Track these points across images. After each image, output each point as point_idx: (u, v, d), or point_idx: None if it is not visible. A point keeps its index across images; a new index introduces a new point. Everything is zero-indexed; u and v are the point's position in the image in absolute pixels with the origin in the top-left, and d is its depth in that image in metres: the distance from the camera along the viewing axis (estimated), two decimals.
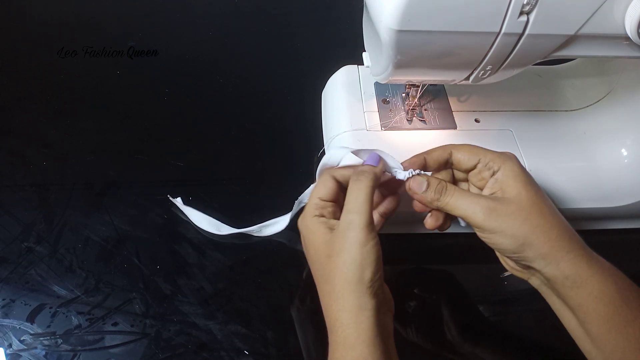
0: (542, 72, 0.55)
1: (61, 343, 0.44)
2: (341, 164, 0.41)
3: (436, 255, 0.52)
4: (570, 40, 0.36)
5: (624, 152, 0.47)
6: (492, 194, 0.38)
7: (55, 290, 0.47)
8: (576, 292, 0.34)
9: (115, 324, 0.45)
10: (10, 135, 0.60)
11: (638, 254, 0.53)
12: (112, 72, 0.67)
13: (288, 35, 0.74)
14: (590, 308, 0.34)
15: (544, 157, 0.47)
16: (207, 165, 0.58)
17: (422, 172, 0.40)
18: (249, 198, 0.55)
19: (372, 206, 0.36)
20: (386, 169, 0.40)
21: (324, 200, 0.38)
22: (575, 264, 0.34)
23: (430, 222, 0.40)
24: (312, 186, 0.43)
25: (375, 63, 0.44)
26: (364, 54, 0.46)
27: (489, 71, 0.39)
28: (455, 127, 0.50)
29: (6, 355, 0.44)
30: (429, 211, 0.41)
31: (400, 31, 0.34)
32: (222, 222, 0.51)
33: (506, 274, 0.46)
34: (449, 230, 0.42)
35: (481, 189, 0.39)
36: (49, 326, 0.45)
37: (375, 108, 0.51)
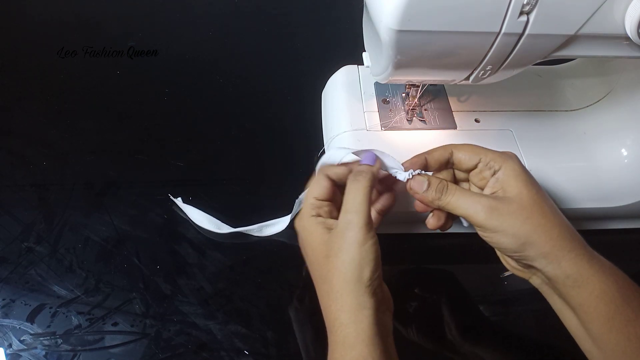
0: (542, 72, 0.55)
1: (61, 343, 0.44)
2: (339, 163, 0.41)
3: (436, 255, 0.52)
4: (570, 40, 0.36)
5: (624, 152, 0.47)
6: (493, 193, 0.38)
7: (55, 290, 0.47)
8: (577, 291, 0.34)
9: (115, 324, 0.45)
10: (10, 135, 0.60)
11: (638, 254, 0.53)
12: (112, 72, 0.67)
13: (288, 35, 0.74)
14: (591, 307, 0.34)
15: (544, 157, 0.47)
16: (207, 165, 0.58)
17: (423, 172, 0.40)
18: (249, 198, 0.55)
19: (370, 205, 0.36)
20: (383, 168, 0.40)
21: (320, 200, 0.38)
22: (577, 263, 0.34)
23: (432, 222, 0.40)
24: None
25: (375, 63, 0.44)
26: (364, 54, 0.46)
27: (489, 71, 0.39)
28: (455, 127, 0.50)
29: (6, 355, 0.44)
30: (431, 211, 0.41)
31: (400, 31, 0.34)
32: (222, 222, 0.51)
33: (506, 273, 0.46)
34: (449, 230, 0.42)
35: (482, 189, 0.39)
36: (49, 326, 0.45)
37: (375, 108, 0.51)
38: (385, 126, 0.49)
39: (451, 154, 0.40)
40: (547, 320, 0.45)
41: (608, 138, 0.48)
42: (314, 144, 0.55)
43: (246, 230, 0.50)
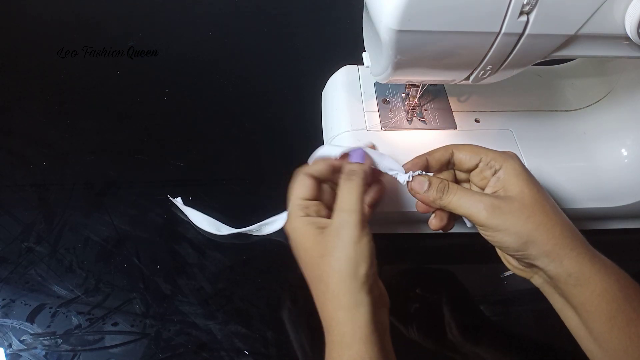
0: (542, 72, 0.55)
1: (61, 343, 0.44)
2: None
3: (436, 255, 0.52)
4: (570, 40, 0.36)
5: (624, 152, 0.47)
6: (494, 192, 0.38)
7: (55, 290, 0.47)
8: (579, 290, 0.34)
9: (115, 324, 0.45)
10: (10, 135, 0.60)
11: (638, 254, 0.53)
12: (112, 72, 0.67)
13: (288, 35, 0.74)
14: (593, 306, 0.34)
15: (544, 157, 0.47)
16: (207, 165, 0.58)
17: (424, 173, 0.40)
18: (249, 198, 0.55)
19: (363, 203, 0.36)
20: (374, 164, 0.40)
21: (306, 200, 0.38)
22: (579, 262, 0.34)
23: (435, 222, 0.40)
24: None
25: (375, 63, 0.44)
26: (364, 54, 0.46)
27: (489, 71, 0.39)
28: (455, 127, 0.50)
29: (6, 355, 0.44)
30: (433, 212, 0.41)
31: (400, 31, 0.34)
32: (222, 222, 0.51)
33: (506, 273, 0.46)
34: (450, 230, 0.42)
35: (483, 189, 0.39)
36: (49, 326, 0.45)
37: (375, 108, 0.51)
38: (385, 126, 0.49)
39: (452, 154, 0.40)
40: (547, 320, 0.45)
41: (608, 138, 0.48)
42: (314, 144, 0.55)
43: (246, 231, 0.50)
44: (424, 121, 0.50)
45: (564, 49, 0.37)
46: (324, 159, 0.40)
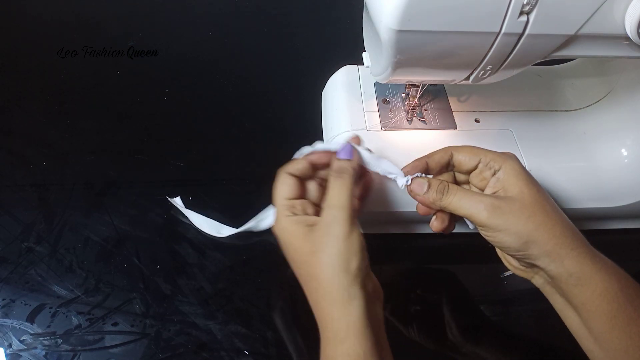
0: (542, 72, 0.55)
1: (61, 343, 0.44)
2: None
3: (436, 255, 0.52)
4: (570, 40, 0.36)
5: (624, 152, 0.47)
6: (494, 193, 0.38)
7: (55, 290, 0.47)
8: (580, 289, 0.34)
9: (115, 324, 0.45)
10: (10, 135, 0.60)
11: (638, 254, 0.53)
12: (112, 72, 0.67)
13: (288, 35, 0.74)
14: (594, 306, 0.34)
15: (544, 157, 0.47)
16: (207, 165, 0.58)
17: (423, 175, 0.40)
18: (249, 198, 0.55)
19: (352, 199, 0.36)
20: (366, 164, 0.40)
21: (291, 199, 0.38)
22: (579, 262, 0.34)
23: (436, 224, 0.40)
24: None
25: (375, 63, 0.44)
26: (364, 54, 0.46)
27: (489, 71, 0.39)
28: (455, 127, 0.50)
29: (6, 355, 0.44)
30: (434, 213, 0.41)
31: (400, 31, 0.34)
32: (223, 222, 0.51)
33: (506, 273, 0.46)
34: (450, 232, 0.42)
35: (483, 190, 0.39)
36: (49, 326, 0.45)
37: (375, 108, 0.51)
38: (385, 126, 0.49)
39: (451, 156, 0.40)
40: (547, 320, 0.45)
41: (608, 138, 0.48)
42: None
43: (245, 229, 0.50)
44: (424, 121, 0.50)
45: (564, 49, 0.37)
46: (303, 156, 0.40)
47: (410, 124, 0.50)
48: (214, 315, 0.46)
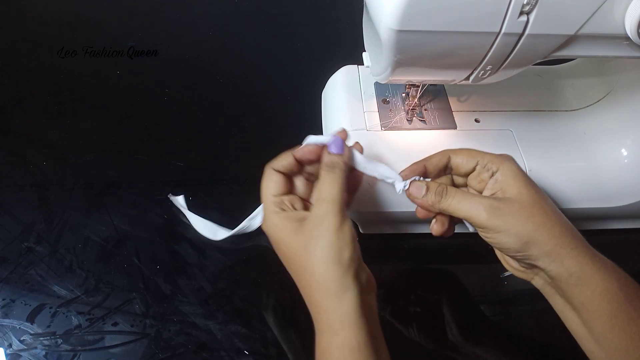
0: (542, 72, 0.55)
1: (61, 343, 0.44)
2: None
3: (436, 255, 0.52)
4: (570, 40, 0.36)
5: (624, 152, 0.47)
6: (492, 194, 0.38)
7: (55, 290, 0.47)
8: (580, 289, 0.34)
9: (115, 324, 0.45)
10: (10, 135, 0.60)
11: (638, 254, 0.53)
12: (112, 72, 0.67)
13: (288, 35, 0.74)
14: (594, 305, 0.34)
15: (544, 157, 0.47)
16: (207, 165, 0.58)
17: (421, 178, 0.40)
18: (249, 198, 0.54)
19: (343, 193, 0.37)
20: (359, 167, 0.41)
21: (278, 195, 0.38)
22: (579, 261, 0.34)
23: (436, 227, 0.41)
24: None
25: (375, 63, 0.44)
26: (364, 54, 0.46)
27: (489, 71, 0.39)
28: (455, 127, 0.50)
29: (6, 355, 0.44)
30: (433, 217, 0.41)
31: (400, 31, 0.34)
32: (222, 222, 0.51)
33: (506, 274, 0.46)
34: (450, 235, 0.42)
35: (481, 192, 0.40)
36: (49, 326, 0.45)
37: (375, 108, 0.51)
38: (385, 126, 0.49)
39: (449, 159, 0.41)
40: (547, 320, 0.45)
41: (608, 138, 0.48)
42: None
43: (238, 230, 0.49)
44: (424, 121, 0.50)
45: (564, 49, 0.37)
46: (287, 153, 0.40)
47: (410, 124, 0.50)
48: (214, 315, 0.46)
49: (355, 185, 0.42)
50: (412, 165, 0.41)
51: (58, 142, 0.59)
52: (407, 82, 0.47)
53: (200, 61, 0.69)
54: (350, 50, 0.55)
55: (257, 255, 0.50)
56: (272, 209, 0.38)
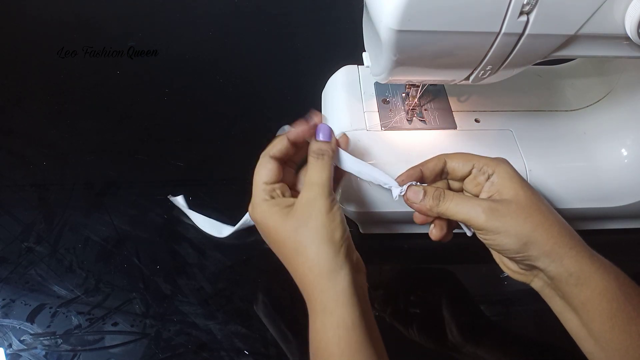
0: (542, 72, 0.55)
1: (61, 343, 0.44)
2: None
3: (436, 255, 0.52)
4: (570, 40, 0.36)
5: (624, 152, 0.47)
6: (489, 197, 0.38)
7: (55, 290, 0.47)
8: (580, 289, 0.34)
9: (115, 324, 0.45)
10: (11, 135, 0.60)
11: (638, 254, 0.53)
12: (112, 72, 0.67)
13: (288, 35, 0.74)
14: (594, 305, 0.34)
15: (544, 157, 0.47)
16: (207, 165, 0.58)
17: (418, 183, 0.40)
18: (249, 198, 0.55)
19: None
20: (346, 168, 0.41)
21: (270, 184, 0.39)
22: (578, 261, 0.35)
23: (435, 232, 0.41)
24: None
25: (375, 63, 0.44)
26: (364, 54, 0.46)
27: (489, 71, 0.39)
28: (455, 127, 0.50)
29: (6, 355, 0.44)
30: (431, 222, 0.41)
31: (400, 31, 0.34)
32: (223, 222, 0.51)
33: (506, 274, 0.46)
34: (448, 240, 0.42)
35: (477, 196, 0.40)
36: (49, 326, 0.45)
37: (375, 108, 0.51)
38: (385, 126, 0.49)
39: (445, 163, 0.41)
40: (547, 320, 0.45)
41: (608, 138, 0.48)
42: None
43: (242, 225, 0.49)
44: (424, 121, 0.50)
45: (564, 49, 0.37)
46: (281, 137, 0.40)
47: (410, 124, 0.50)
48: (214, 315, 0.46)
49: (340, 173, 0.43)
50: (408, 170, 0.41)
51: (58, 142, 0.59)
52: (407, 82, 0.47)
53: (200, 61, 0.69)
54: (350, 50, 0.55)
55: (257, 255, 0.50)
56: (262, 196, 0.38)
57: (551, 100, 0.52)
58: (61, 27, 0.73)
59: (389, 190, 0.41)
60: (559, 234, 0.35)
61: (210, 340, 0.45)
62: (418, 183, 0.40)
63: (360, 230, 0.51)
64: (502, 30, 0.34)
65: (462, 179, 0.41)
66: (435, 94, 0.52)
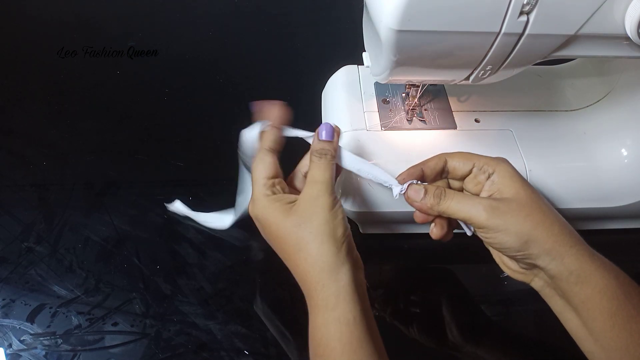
0: (542, 72, 0.55)
1: (61, 343, 0.44)
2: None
3: (436, 255, 0.52)
4: (570, 40, 0.36)
5: (624, 152, 0.47)
6: (490, 196, 0.39)
7: (55, 290, 0.47)
8: (580, 287, 0.34)
9: (115, 324, 0.45)
10: (11, 135, 0.60)
11: (638, 254, 0.53)
12: (112, 72, 0.67)
13: (288, 35, 0.74)
14: (594, 303, 0.34)
15: (544, 157, 0.47)
16: (207, 165, 0.58)
17: (419, 182, 0.40)
18: None
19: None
20: (347, 166, 0.41)
21: (271, 178, 0.39)
22: (579, 259, 0.35)
23: (436, 231, 0.41)
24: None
25: (375, 63, 0.44)
26: (364, 54, 0.46)
27: (489, 71, 0.39)
28: (455, 127, 0.50)
29: (6, 355, 0.44)
30: (432, 220, 0.41)
31: (400, 31, 0.34)
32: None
33: (506, 274, 0.46)
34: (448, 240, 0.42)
35: (477, 195, 0.40)
36: (49, 326, 0.45)
37: (375, 108, 0.51)
38: (385, 126, 0.49)
39: (445, 162, 0.41)
40: (547, 320, 0.45)
41: (608, 138, 0.48)
42: None
43: (243, 212, 0.49)
44: (424, 121, 0.50)
45: (564, 49, 0.37)
46: (270, 129, 0.41)
47: (410, 124, 0.50)
48: (214, 315, 0.46)
49: (339, 170, 0.43)
50: (409, 169, 0.41)
51: (58, 142, 0.59)
52: (407, 82, 0.47)
53: (200, 61, 0.69)
54: (350, 50, 0.55)
55: (257, 256, 0.50)
56: (263, 192, 0.38)
57: (551, 100, 0.52)
58: (61, 27, 0.73)
59: (390, 189, 0.41)
60: (559, 232, 0.35)
61: (210, 340, 0.45)
62: (419, 182, 0.40)
63: (360, 230, 0.51)
64: (502, 30, 0.34)
65: (462, 178, 0.41)
66: (435, 94, 0.52)
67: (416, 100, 0.49)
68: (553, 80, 0.54)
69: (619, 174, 0.47)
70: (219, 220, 0.51)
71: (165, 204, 0.53)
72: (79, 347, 0.44)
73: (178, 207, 0.52)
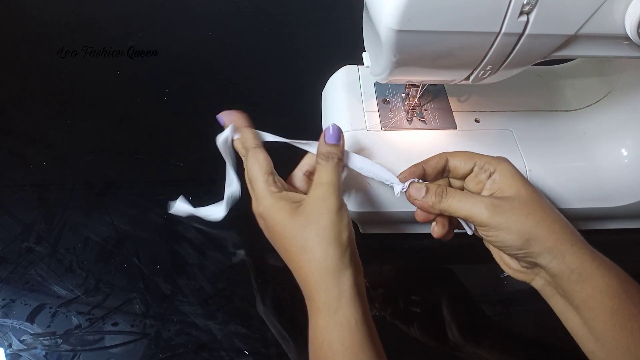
0: (542, 72, 0.55)
1: (61, 343, 0.44)
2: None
3: (436, 255, 0.52)
4: (570, 40, 0.36)
5: (624, 152, 0.47)
6: (491, 194, 0.38)
7: (55, 290, 0.47)
8: (582, 286, 0.34)
9: (115, 324, 0.45)
10: (11, 135, 0.60)
11: (638, 254, 0.53)
12: (112, 72, 0.67)
13: (288, 35, 0.74)
14: (596, 302, 0.34)
15: (544, 157, 0.47)
16: (207, 165, 0.58)
17: (420, 180, 0.40)
18: (248, 198, 0.55)
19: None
20: (374, 175, 0.41)
21: (270, 174, 0.39)
22: (580, 257, 0.35)
23: (437, 229, 0.41)
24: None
25: (375, 63, 0.44)
26: (364, 54, 0.46)
27: (489, 71, 0.39)
28: (455, 127, 0.50)
29: (6, 355, 0.44)
30: (433, 219, 0.41)
31: (400, 31, 0.34)
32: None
33: (506, 273, 0.46)
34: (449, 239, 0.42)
35: (479, 194, 0.40)
36: (49, 326, 0.45)
37: (375, 108, 0.51)
38: (385, 126, 0.49)
39: (446, 161, 0.41)
40: (547, 320, 0.45)
41: (608, 138, 0.48)
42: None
43: (231, 199, 0.48)
44: (424, 121, 0.50)
45: (564, 49, 0.37)
46: (245, 129, 0.43)
47: (410, 124, 0.50)
48: (214, 315, 0.46)
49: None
50: (410, 167, 0.41)
51: (58, 142, 0.59)
52: (407, 82, 0.47)
53: (200, 61, 0.69)
54: (350, 50, 0.55)
55: (257, 256, 0.50)
56: (267, 189, 0.38)
57: (551, 100, 0.52)
58: (61, 27, 0.73)
59: (391, 187, 0.41)
60: (560, 230, 0.35)
61: (210, 340, 0.45)
62: (420, 180, 0.40)
63: (360, 230, 0.51)
64: (502, 30, 0.34)
65: (463, 177, 0.41)
66: (435, 94, 0.52)
67: (416, 100, 0.49)
68: (553, 80, 0.54)
69: (619, 174, 0.47)
70: (216, 211, 0.50)
71: (169, 202, 0.53)
72: (79, 347, 0.44)
73: (179, 207, 0.52)
